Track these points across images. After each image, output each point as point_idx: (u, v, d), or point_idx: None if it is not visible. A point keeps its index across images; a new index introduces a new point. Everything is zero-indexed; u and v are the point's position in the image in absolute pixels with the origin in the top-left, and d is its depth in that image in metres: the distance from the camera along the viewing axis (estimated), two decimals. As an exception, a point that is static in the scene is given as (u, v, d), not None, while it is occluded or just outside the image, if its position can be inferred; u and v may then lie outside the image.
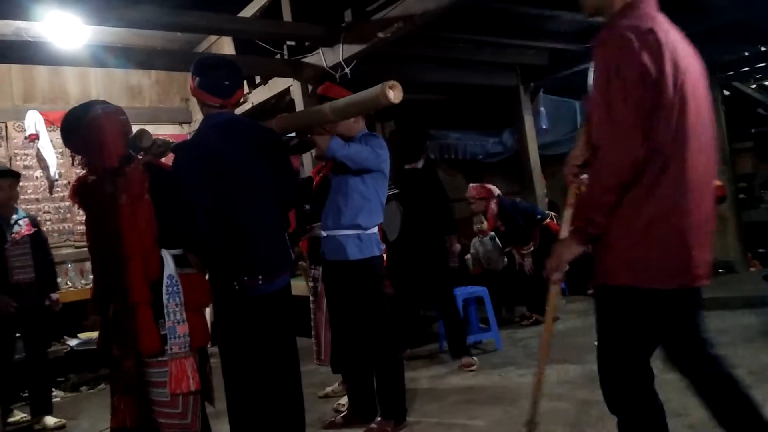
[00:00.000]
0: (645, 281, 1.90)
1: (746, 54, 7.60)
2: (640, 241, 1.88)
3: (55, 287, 4.73)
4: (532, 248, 6.00)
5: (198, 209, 2.65)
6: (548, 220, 6.30)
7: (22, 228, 4.46)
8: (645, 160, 1.83)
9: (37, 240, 4.54)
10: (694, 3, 5.58)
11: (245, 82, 6.13)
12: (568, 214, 2.20)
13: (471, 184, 6.27)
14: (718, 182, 5.74)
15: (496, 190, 6.16)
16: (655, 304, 1.94)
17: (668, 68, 1.85)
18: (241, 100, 3.14)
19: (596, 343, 4.80)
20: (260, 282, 2.68)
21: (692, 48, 2.04)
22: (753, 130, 9.07)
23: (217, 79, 2.75)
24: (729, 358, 3.99)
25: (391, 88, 2.74)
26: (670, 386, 3.54)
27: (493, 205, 6.07)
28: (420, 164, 5.19)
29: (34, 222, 4.61)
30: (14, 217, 4.45)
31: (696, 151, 1.91)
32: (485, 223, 6.24)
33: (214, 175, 2.67)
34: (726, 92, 8.32)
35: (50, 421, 4.30)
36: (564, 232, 2.15)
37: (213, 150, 2.70)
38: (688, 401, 3.28)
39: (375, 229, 3.43)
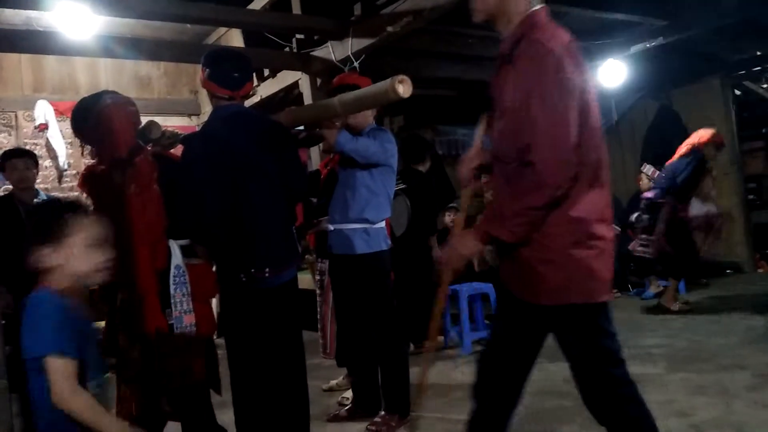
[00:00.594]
0: (594, 295, 1.89)
1: (758, 53, 7.54)
2: (584, 255, 1.86)
3: None
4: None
5: (206, 200, 2.66)
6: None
7: None
8: (578, 174, 1.82)
9: None
10: (704, 2, 5.54)
11: (254, 74, 6.14)
12: (462, 213, 2.15)
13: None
14: (712, 130, 5.76)
15: None
16: (599, 315, 1.94)
17: (589, 81, 1.87)
18: (251, 92, 3.14)
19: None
20: (267, 274, 2.68)
21: None
22: (764, 131, 9.00)
23: (226, 71, 2.75)
24: (734, 359, 3.99)
25: (400, 82, 2.73)
26: (675, 386, 3.55)
27: None
28: (424, 168, 5.21)
29: None
30: (35, 201, 4.14)
31: (607, 169, 1.94)
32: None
33: (223, 167, 2.67)
34: (737, 92, 8.26)
35: None
36: (457, 231, 2.10)
37: (222, 142, 2.70)
38: (693, 401, 3.28)
39: (383, 224, 3.43)
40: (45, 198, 4.24)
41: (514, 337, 2.06)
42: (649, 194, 5.82)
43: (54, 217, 1.78)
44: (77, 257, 1.77)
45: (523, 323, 2.03)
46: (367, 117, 3.45)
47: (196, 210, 2.63)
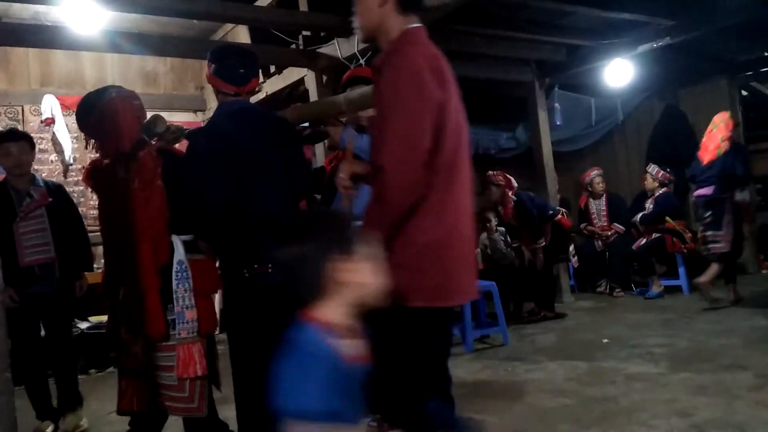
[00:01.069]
0: (438, 300, 1.95)
1: (765, 54, 7.52)
2: (431, 262, 1.92)
3: (88, 267, 3.96)
4: (543, 243, 5.99)
5: (210, 196, 2.66)
6: (559, 216, 6.28)
7: (35, 199, 3.68)
8: (429, 183, 1.87)
9: (58, 212, 3.74)
10: (712, 2, 5.52)
11: (260, 71, 6.15)
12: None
13: (490, 172, 6.29)
14: (726, 113, 5.76)
15: (514, 182, 6.16)
16: (444, 320, 2.02)
17: (452, 93, 1.94)
18: (256, 89, 3.15)
19: (605, 341, 4.79)
20: (270, 270, 2.68)
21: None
22: (772, 131, 8.97)
23: (232, 67, 2.76)
24: (736, 359, 3.98)
25: (405, 80, 2.73)
26: (677, 386, 3.55)
27: (511, 195, 6.08)
28: None
29: (53, 191, 3.82)
30: (33, 188, 3.72)
31: (467, 178, 2.01)
32: (493, 221, 6.24)
33: (227, 163, 2.68)
34: (744, 92, 8.23)
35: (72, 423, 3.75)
36: None
37: (226, 137, 2.71)
38: (695, 401, 3.28)
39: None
40: (41, 185, 3.80)
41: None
42: (705, 191, 5.74)
43: (346, 227, 1.51)
44: (368, 273, 1.47)
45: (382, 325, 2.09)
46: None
47: (200, 205, 2.64)
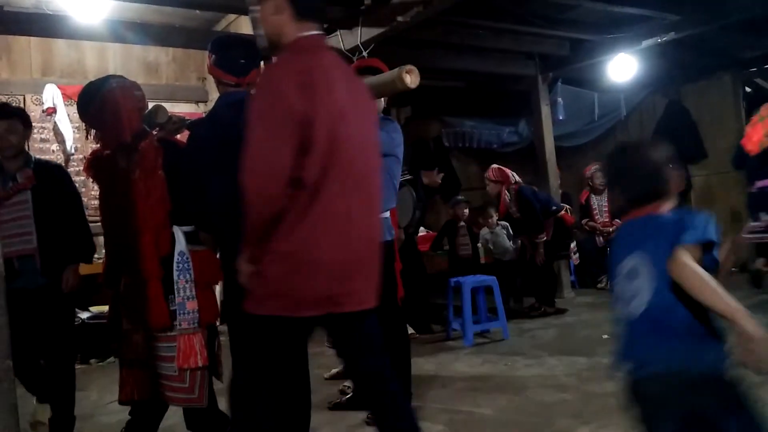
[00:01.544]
0: (294, 310, 1.92)
1: (770, 50, 7.49)
2: (288, 271, 1.89)
3: (84, 257, 3.41)
4: (544, 238, 5.99)
5: (211, 187, 2.65)
6: (562, 212, 6.27)
7: (17, 183, 3.22)
8: (291, 196, 1.85)
9: (49, 196, 3.24)
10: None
11: (262, 62, 6.12)
12: None
13: (492, 165, 6.27)
14: None
15: (515, 177, 6.13)
16: (302, 330, 2.01)
17: (321, 108, 1.85)
18: (257, 79, 3.13)
19: (604, 337, 4.79)
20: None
21: (363, 87, 2.09)
22: (775, 128, 8.93)
23: (233, 58, 2.74)
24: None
25: (408, 72, 2.73)
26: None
27: (507, 192, 6.06)
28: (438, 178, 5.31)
29: (46, 173, 3.31)
30: (27, 169, 3.26)
31: (351, 189, 1.94)
32: (494, 217, 6.23)
33: (228, 154, 2.65)
34: (747, 89, 8.21)
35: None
36: None
37: (228, 128, 2.68)
38: (694, 398, 3.28)
39: (387, 214, 3.43)
40: (30, 167, 3.29)
41: None
42: None
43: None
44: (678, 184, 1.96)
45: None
46: (380, 105, 3.44)
47: (201, 196, 2.63)
